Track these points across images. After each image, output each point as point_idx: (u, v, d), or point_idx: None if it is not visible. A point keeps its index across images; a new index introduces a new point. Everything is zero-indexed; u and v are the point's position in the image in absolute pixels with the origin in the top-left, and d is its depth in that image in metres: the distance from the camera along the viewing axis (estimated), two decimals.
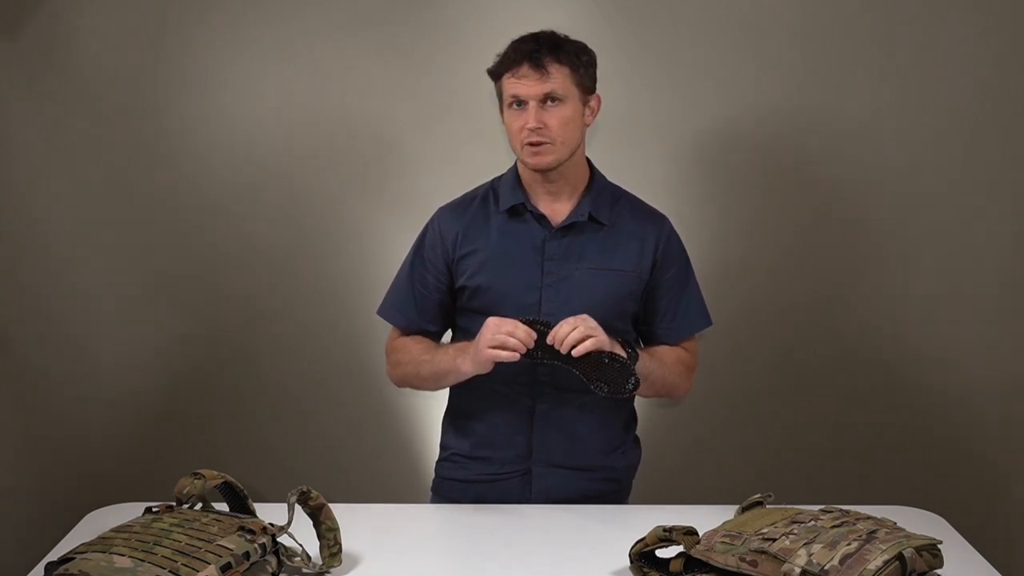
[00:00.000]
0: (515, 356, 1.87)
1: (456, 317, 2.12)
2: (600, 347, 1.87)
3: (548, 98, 1.94)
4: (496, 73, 1.99)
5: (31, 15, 2.68)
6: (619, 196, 2.11)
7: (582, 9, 2.64)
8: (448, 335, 2.17)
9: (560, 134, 1.96)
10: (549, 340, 1.87)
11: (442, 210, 2.13)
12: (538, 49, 1.95)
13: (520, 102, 1.96)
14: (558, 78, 1.94)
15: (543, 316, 1.97)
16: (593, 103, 2.02)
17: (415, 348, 2.09)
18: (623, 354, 1.91)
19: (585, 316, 1.89)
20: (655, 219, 2.11)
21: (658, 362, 2.04)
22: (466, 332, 2.06)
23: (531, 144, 1.96)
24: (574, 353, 1.86)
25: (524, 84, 1.94)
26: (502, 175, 2.12)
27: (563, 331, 1.86)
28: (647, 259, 2.06)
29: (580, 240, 2.04)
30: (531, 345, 1.87)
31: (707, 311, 2.16)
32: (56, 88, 2.71)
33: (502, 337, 1.87)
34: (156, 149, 2.75)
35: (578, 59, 1.98)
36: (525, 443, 2.07)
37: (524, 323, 1.89)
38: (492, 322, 1.90)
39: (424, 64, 2.71)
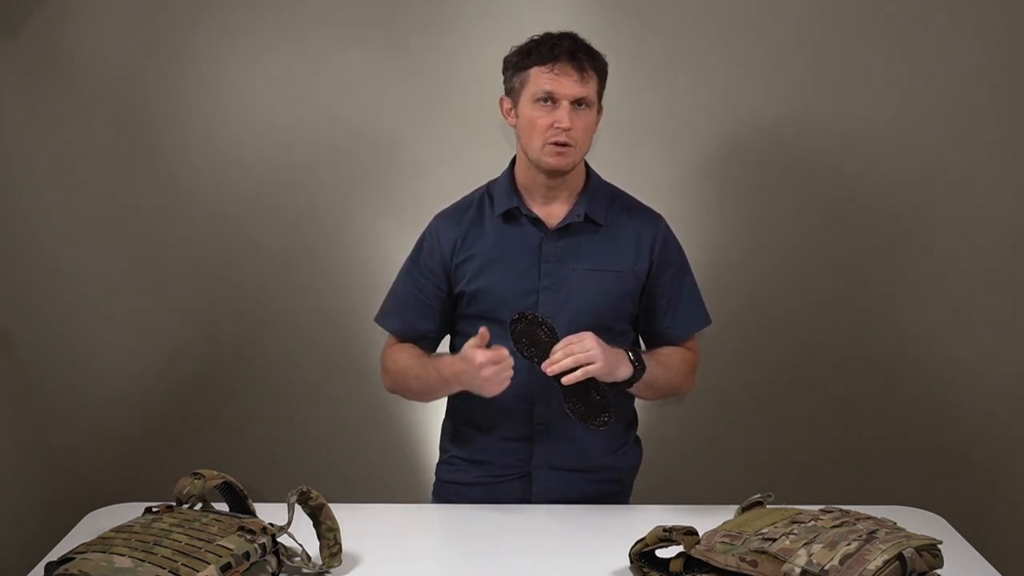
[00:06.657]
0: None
1: (455, 323, 2.11)
2: (597, 375, 1.86)
3: (579, 101, 1.94)
4: (523, 64, 1.96)
5: (30, 15, 2.67)
6: (615, 196, 2.11)
7: (586, 10, 2.64)
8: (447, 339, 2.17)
9: (582, 139, 1.96)
10: (545, 366, 1.87)
11: (439, 217, 2.12)
12: (579, 50, 1.93)
13: (551, 99, 1.94)
14: (591, 83, 1.95)
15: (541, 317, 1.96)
16: (600, 112, 2.03)
17: (403, 359, 2.08)
18: (608, 393, 1.90)
19: (585, 337, 1.87)
20: (651, 219, 2.10)
21: (663, 367, 2.03)
22: (466, 337, 2.02)
23: (556, 144, 1.94)
24: (563, 381, 1.86)
25: (564, 82, 1.92)
26: (496, 178, 2.11)
27: (556, 356, 1.86)
28: (644, 259, 2.06)
29: (577, 241, 2.04)
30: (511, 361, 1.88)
31: (706, 310, 2.15)
32: (55, 89, 2.70)
33: (502, 379, 1.87)
34: (155, 150, 2.74)
35: (604, 68, 1.99)
36: (525, 446, 2.07)
37: (525, 317, 1.89)
38: (479, 360, 1.87)
39: (424, 67, 2.71)
